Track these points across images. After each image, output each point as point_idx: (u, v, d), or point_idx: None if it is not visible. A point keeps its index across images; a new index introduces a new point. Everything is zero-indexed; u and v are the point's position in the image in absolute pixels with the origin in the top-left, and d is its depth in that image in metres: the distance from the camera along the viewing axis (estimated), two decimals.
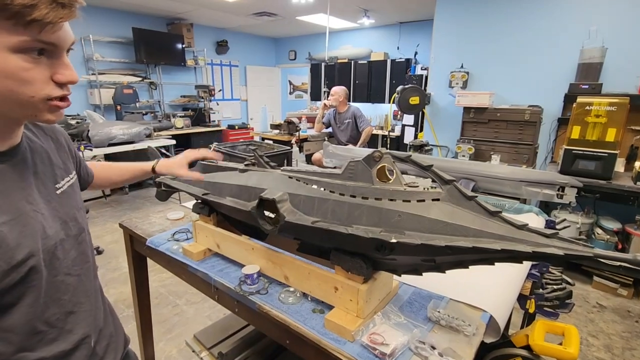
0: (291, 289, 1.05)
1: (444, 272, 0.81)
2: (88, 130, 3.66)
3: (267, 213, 1.00)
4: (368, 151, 2.33)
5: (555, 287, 1.37)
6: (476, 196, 0.74)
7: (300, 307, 0.98)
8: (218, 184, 1.18)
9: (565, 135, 2.91)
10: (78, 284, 0.68)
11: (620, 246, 2.76)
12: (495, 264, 0.73)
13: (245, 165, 1.16)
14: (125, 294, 2.61)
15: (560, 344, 1.06)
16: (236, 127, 6.42)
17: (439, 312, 0.94)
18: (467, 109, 3.50)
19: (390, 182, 0.83)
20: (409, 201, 0.79)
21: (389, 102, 5.25)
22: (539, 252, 0.65)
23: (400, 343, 0.83)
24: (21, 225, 0.55)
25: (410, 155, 0.82)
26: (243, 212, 1.04)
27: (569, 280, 1.44)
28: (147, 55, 5.32)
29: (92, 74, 4.88)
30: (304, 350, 0.94)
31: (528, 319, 1.46)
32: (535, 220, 1.65)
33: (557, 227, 1.76)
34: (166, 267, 1.39)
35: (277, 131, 4.22)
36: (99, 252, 3.23)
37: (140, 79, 5.31)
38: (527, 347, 1.07)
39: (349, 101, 5.97)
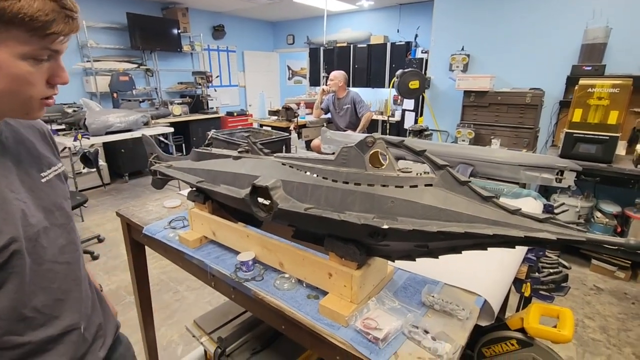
0: (286, 275, 1.05)
1: (437, 258, 0.81)
2: (85, 119, 3.62)
3: (260, 200, 0.99)
4: (362, 137, 2.30)
5: (551, 270, 1.37)
6: (469, 181, 0.73)
7: (295, 293, 0.99)
8: (212, 171, 1.17)
9: (566, 118, 2.87)
10: (67, 271, 0.68)
11: (619, 229, 2.76)
12: (490, 249, 0.73)
13: (239, 152, 1.15)
14: (127, 281, 2.64)
15: (555, 326, 1.07)
16: (235, 114, 6.37)
17: (433, 296, 0.94)
18: (467, 93, 3.45)
19: (383, 167, 0.82)
20: (402, 187, 0.78)
21: (389, 87, 5.18)
22: (532, 237, 0.65)
23: (394, 328, 0.83)
24: (3, 212, 0.55)
25: (403, 140, 0.81)
26: (237, 199, 1.03)
27: (565, 264, 1.44)
28: (143, 41, 5.23)
29: (87, 61, 4.82)
30: (299, 335, 0.94)
31: (524, 303, 1.47)
32: (533, 204, 1.65)
33: (555, 211, 1.76)
34: (163, 254, 1.40)
35: (275, 117, 4.18)
36: (100, 240, 3.26)
37: (136, 65, 5.23)
38: (522, 330, 1.08)
39: (348, 86, 5.90)
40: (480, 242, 0.71)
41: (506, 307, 1.63)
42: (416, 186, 0.77)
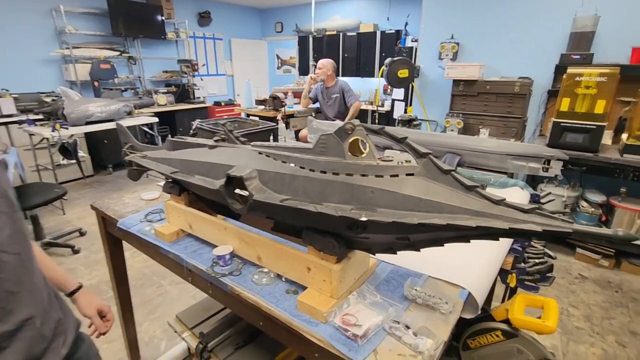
0: (265, 270, 1.01)
1: (419, 251, 0.77)
2: (63, 108, 3.49)
3: (237, 191, 0.94)
4: None
5: (537, 261, 1.36)
6: (453, 170, 0.69)
7: (274, 288, 0.94)
8: (187, 161, 1.11)
9: (554, 107, 2.86)
10: (17, 262, 0.64)
11: (604, 218, 2.79)
12: (474, 241, 0.69)
13: (215, 141, 1.09)
14: (109, 276, 2.57)
15: (540, 317, 1.06)
16: (222, 104, 6.23)
17: (415, 290, 0.91)
18: (456, 82, 3.42)
19: (363, 156, 0.78)
20: (382, 176, 0.73)
21: (378, 76, 5.12)
22: (517, 228, 0.61)
23: (374, 323, 0.80)
24: None
25: (384, 127, 0.76)
26: (212, 191, 0.98)
27: (551, 254, 1.43)
28: (125, 28, 5.04)
29: (66, 48, 4.62)
30: (277, 332, 0.91)
31: (509, 293, 1.46)
32: (520, 194, 1.63)
33: (542, 200, 1.75)
34: (140, 249, 1.34)
35: (263, 107, 4.09)
36: (82, 234, 3.17)
37: (118, 53, 5.05)
38: (507, 321, 1.07)
39: (338, 75, 5.82)
40: (463, 234, 0.68)
41: (492, 297, 1.62)
42: (397, 175, 0.73)
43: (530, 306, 1.11)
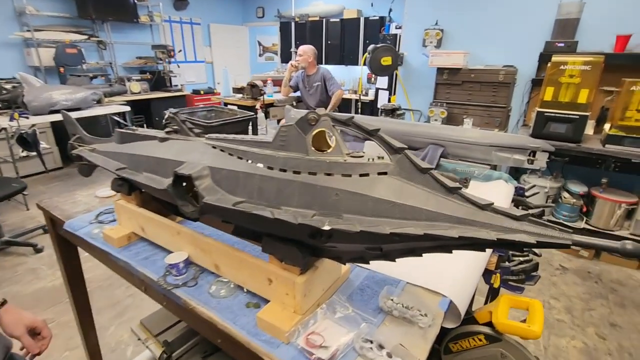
0: (225, 280, 0.89)
1: (394, 261, 0.67)
2: (23, 96, 3.23)
3: (190, 192, 0.82)
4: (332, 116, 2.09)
5: (522, 259, 1.29)
6: (432, 168, 0.59)
7: (233, 301, 0.83)
8: (135, 156, 0.97)
9: (538, 97, 2.81)
10: None
11: (584, 209, 2.78)
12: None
13: (167, 132, 0.95)
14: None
15: (525, 320, 0.99)
16: (202, 92, 5.98)
17: (392, 300, 0.82)
18: (440, 70, 3.33)
19: (329, 151, 0.66)
20: (350, 176, 0.62)
21: (361, 64, 4.98)
22: (506, 239, 0.51)
23: (343, 343, 0.70)
24: None
25: (352, 117, 0.64)
26: (162, 191, 0.85)
27: (536, 251, 1.36)
28: (93, 10, 4.72)
29: (27, 31, 4.29)
30: (236, 352, 0.79)
31: (492, 294, 1.39)
32: (505, 188, 1.55)
33: (526, 194, 1.68)
34: (91, 253, 1.20)
35: (240, 95, 3.90)
36: (46, 231, 2.97)
37: (85, 37, 4.74)
38: (490, 324, 1.00)
39: (321, 63, 5.64)
40: (444, 244, 0.58)
41: (473, 298, 1.55)
42: (367, 175, 0.62)
43: (515, 307, 1.04)
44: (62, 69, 4.29)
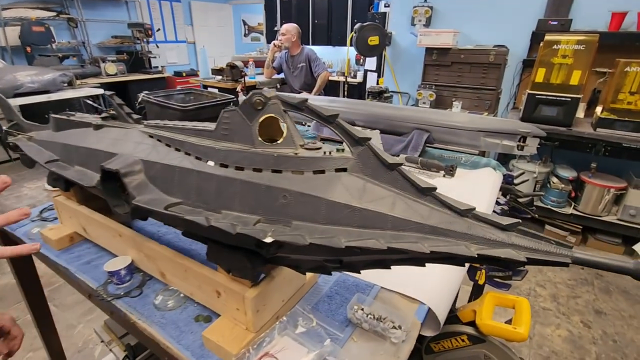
0: (173, 288, 0.78)
1: (359, 273, 0.57)
2: None
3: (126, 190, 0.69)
4: (315, 99, 1.95)
5: None
6: (400, 164, 0.47)
7: (180, 315, 0.72)
8: (68, 146, 0.84)
9: (529, 78, 2.70)
10: None
11: (573, 194, 2.73)
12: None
13: (103, 118, 0.82)
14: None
15: (510, 320, 0.91)
16: (184, 74, 5.71)
17: (362, 310, 0.72)
18: (429, 50, 3.18)
19: (279, 142, 0.54)
20: (302, 173, 0.51)
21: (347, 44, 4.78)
22: (490, 255, 0.40)
23: None
24: None
25: (306, 101, 0.52)
26: (93, 188, 0.72)
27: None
28: None
29: None
30: None
31: (477, 291, 1.31)
32: (493, 176, 1.46)
33: (515, 181, 1.59)
34: (35, 255, 1.07)
35: (220, 77, 3.71)
36: None
37: (54, 14, 4.42)
38: (474, 323, 0.92)
39: (308, 44, 5.42)
40: (415, 257, 0.47)
41: (457, 295, 1.47)
42: (323, 172, 0.50)
43: (501, 306, 0.97)
44: (29, 49, 4.01)
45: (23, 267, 1.34)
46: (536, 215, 1.50)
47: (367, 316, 0.70)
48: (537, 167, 2.74)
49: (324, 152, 0.51)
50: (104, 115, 0.81)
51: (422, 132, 1.64)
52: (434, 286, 0.81)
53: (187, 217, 0.53)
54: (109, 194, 0.68)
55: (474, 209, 0.44)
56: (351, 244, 0.43)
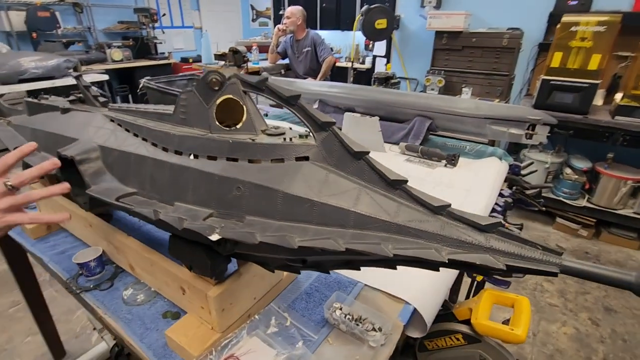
0: (144, 282, 0.74)
1: (328, 273, 0.51)
2: None
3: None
4: (310, 84, 1.86)
5: None
6: (367, 153, 0.41)
7: (149, 310, 0.68)
8: (36, 131, 0.79)
9: (544, 63, 2.55)
10: None
11: (587, 186, 2.60)
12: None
13: (71, 101, 0.77)
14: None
15: (508, 320, 0.86)
16: (190, 60, 5.65)
17: (340, 310, 0.66)
18: (439, 34, 3.04)
19: (238, 127, 0.48)
20: (259, 162, 0.45)
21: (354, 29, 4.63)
22: (463, 261, 0.34)
23: None
24: None
25: (266, 80, 0.46)
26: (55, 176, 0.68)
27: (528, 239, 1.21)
28: None
29: None
30: None
31: (475, 288, 1.25)
32: (498, 165, 1.37)
33: (522, 172, 1.50)
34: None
35: (222, 62, 3.64)
36: None
37: None
38: (471, 322, 0.87)
39: (315, 28, 5.27)
40: (381, 259, 0.41)
41: (458, 292, 1.41)
42: (282, 160, 0.44)
43: (499, 304, 0.91)
44: (34, 34, 4.00)
45: (14, 255, 1.33)
46: (543, 208, 1.41)
47: (345, 317, 0.65)
48: (550, 157, 2.61)
49: (284, 139, 0.45)
50: (71, 98, 0.76)
51: (425, 119, 1.56)
52: (422, 285, 0.75)
53: (135, 209, 0.48)
54: (69, 182, 0.64)
55: (449, 205, 0.37)
56: (305, 243, 0.38)
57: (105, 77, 3.84)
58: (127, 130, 0.60)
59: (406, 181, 0.39)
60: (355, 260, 0.45)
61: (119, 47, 4.74)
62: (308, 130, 0.45)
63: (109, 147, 0.58)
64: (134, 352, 0.62)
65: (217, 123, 0.48)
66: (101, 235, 0.76)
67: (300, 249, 0.39)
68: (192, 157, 0.49)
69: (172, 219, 0.44)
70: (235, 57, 3.38)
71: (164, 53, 5.52)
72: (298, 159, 0.44)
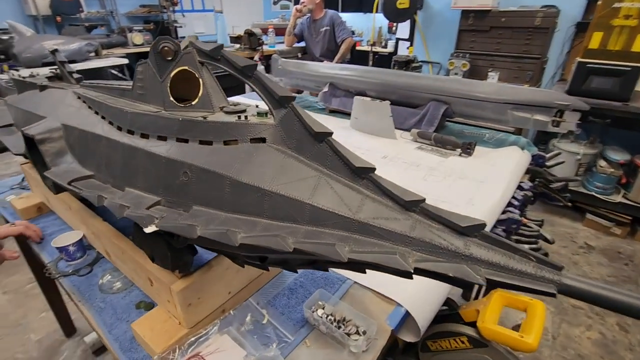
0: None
1: (295, 272, 0.45)
2: (13, 47, 3.08)
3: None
4: (321, 66, 1.77)
5: (527, 247, 1.03)
6: (329, 134, 0.34)
7: (123, 299, 0.65)
8: (19, 110, 0.77)
9: (582, 45, 2.33)
10: None
11: (624, 180, 2.39)
12: None
13: (48, 78, 0.74)
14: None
15: (519, 326, 0.78)
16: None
17: (323, 309, 0.61)
18: (465, 14, 2.84)
19: (193, 103, 0.42)
20: (210, 143, 0.39)
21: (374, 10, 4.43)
22: (432, 271, 0.27)
23: None
24: None
25: (221, 48, 0.39)
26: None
27: (548, 237, 1.09)
28: None
29: None
30: None
31: (486, 288, 1.16)
32: (518, 156, 1.25)
33: (547, 163, 1.37)
34: None
35: (238, 46, 3.57)
36: None
37: None
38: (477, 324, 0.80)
39: (337, 10, 5.10)
40: (336, 262, 0.34)
41: (472, 289, 1.32)
42: (235, 142, 0.38)
43: (510, 307, 0.83)
44: (59, 18, 4.08)
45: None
46: (568, 204, 1.29)
47: (326, 317, 0.59)
48: (582, 148, 2.41)
49: (239, 117, 0.38)
50: (49, 75, 0.73)
51: (440, 104, 1.44)
52: (417, 285, 0.67)
53: (83, 194, 0.43)
54: (37, 162, 0.60)
55: (424, 200, 0.30)
56: (248, 241, 0.32)
57: (125, 60, 3.88)
58: (90, 108, 0.55)
59: (374, 169, 0.32)
60: (318, 260, 0.38)
61: (139, 31, 4.77)
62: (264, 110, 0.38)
63: (71, 125, 0.54)
64: (103, 342, 0.59)
65: (171, 99, 0.42)
66: (79, 219, 0.73)
67: (247, 246, 0.33)
68: (142, 137, 0.43)
69: (114, 206, 0.39)
70: (251, 39, 3.31)
71: (184, 37, 5.51)
72: (253, 140, 0.37)
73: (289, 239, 0.31)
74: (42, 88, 0.72)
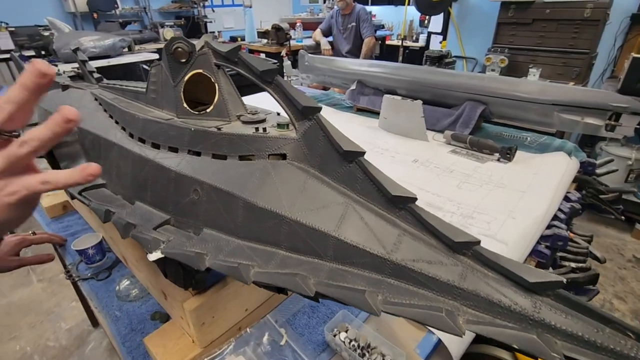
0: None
1: (317, 301, 0.40)
2: (52, 43, 3.22)
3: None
4: (348, 62, 1.71)
5: (574, 265, 0.93)
6: (362, 153, 0.28)
7: (139, 308, 0.63)
8: (41, 109, 0.76)
9: (637, 39, 2.12)
10: None
11: None
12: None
13: (70, 77, 0.72)
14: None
15: None
16: (239, 39, 5.67)
17: (346, 332, 0.56)
18: (505, 5, 2.66)
19: (208, 111, 0.38)
20: (224, 158, 0.34)
21: (406, 2, 4.26)
22: (491, 338, 0.21)
23: None
24: None
25: (239, 47, 0.34)
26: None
27: (598, 255, 0.98)
28: None
29: None
30: None
31: None
32: (565, 163, 1.13)
33: (598, 171, 1.24)
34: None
35: (265, 41, 3.54)
36: None
37: None
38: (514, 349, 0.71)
39: (367, 3, 4.97)
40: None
41: None
42: (251, 157, 0.33)
43: None
44: (95, 15, 4.22)
45: None
46: (622, 217, 1.16)
47: (349, 342, 0.54)
48: (634, 153, 2.20)
49: (257, 128, 0.34)
50: (71, 74, 0.71)
51: (477, 104, 1.34)
52: None
53: (91, 206, 0.40)
54: (54, 166, 0.59)
55: (478, 242, 0.24)
56: (261, 278, 0.27)
57: (156, 55, 3.96)
58: (105, 111, 0.52)
59: (415, 199, 0.26)
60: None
61: (170, 26, 4.87)
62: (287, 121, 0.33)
63: (86, 129, 0.51)
64: (117, 353, 0.57)
65: (184, 105, 0.38)
66: (98, 221, 0.71)
67: (261, 283, 0.28)
68: (153, 146, 0.39)
69: (120, 224, 0.35)
70: (278, 34, 3.27)
71: (213, 32, 5.59)
72: (272, 156, 0.32)
73: (311, 279, 0.26)
74: (64, 88, 0.71)
